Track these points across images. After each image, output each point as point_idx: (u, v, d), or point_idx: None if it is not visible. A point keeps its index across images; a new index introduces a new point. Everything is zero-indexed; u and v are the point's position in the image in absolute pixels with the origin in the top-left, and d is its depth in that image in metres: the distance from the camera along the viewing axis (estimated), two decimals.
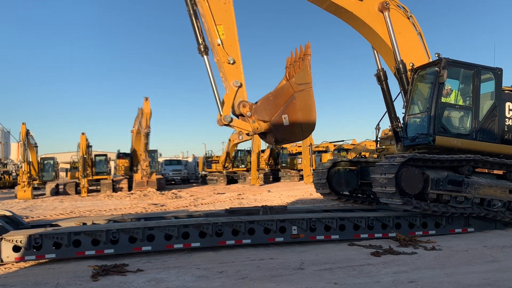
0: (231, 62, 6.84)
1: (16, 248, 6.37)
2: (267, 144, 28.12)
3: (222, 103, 6.93)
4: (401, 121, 9.35)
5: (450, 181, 7.83)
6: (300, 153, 29.79)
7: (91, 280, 5.37)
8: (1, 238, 6.32)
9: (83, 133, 23.46)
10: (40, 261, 6.54)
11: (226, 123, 6.83)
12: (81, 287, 5.11)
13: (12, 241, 6.32)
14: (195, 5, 6.97)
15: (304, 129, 7.11)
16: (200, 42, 7.00)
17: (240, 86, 6.88)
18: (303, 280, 5.15)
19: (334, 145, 32.54)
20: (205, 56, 7.01)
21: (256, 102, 7.08)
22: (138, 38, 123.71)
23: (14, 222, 7.53)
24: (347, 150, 30.80)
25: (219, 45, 6.80)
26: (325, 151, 31.28)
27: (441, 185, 7.75)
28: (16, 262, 6.45)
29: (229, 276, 5.44)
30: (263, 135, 7.25)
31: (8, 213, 7.58)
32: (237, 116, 7.04)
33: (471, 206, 7.98)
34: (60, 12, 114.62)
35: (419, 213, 7.82)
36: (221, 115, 6.84)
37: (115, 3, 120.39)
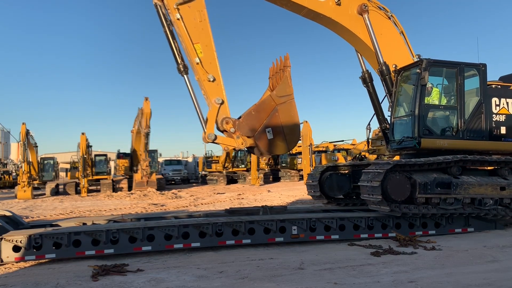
0: (211, 79, 6.86)
1: (16, 248, 6.37)
2: None
3: (206, 121, 6.95)
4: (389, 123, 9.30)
5: (438, 184, 7.64)
6: (300, 153, 29.77)
7: (91, 280, 5.37)
8: (1, 238, 6.32)
9: (83, 133, 23.50)
10: (40, 261, 6.54)
11: (211, 141, 6.90)
12: (81, 287, 5.11)
13: (12, 241, 6.33)
14: (171, 25, 6.98)
15: (289, 140, 7.17)
16: (179, 62, 7.02)
17: (222, 103, 6.92)
18: (303, 280, 5.15)
19: (334, 145, 32.51)
20: (185, 76, 7.04)
21: (240, 117, 7.10)
22: (138, 38, 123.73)
23: (14, 222, 7.53)
24: (347, 150, 30.77)
25: (198, 63, 6.83)
26: (325, 151, 31.24)
27: (429, 189, 7.57)
28: (16, 262, 6.46)
29: (229, 276, 5.44)
30: (250, 149, 7.28)
31: (8, 213, 7.58)
32: (222, 132, 7.07)
33: (462, 207, 7.83)
34: (60, 12, 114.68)
35: (417, 214, 7.77)
36: (205, 133, 6.89)
37: (114, 2, 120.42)
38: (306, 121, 25.72)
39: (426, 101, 8.31)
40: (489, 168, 8.70)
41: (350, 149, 30.03)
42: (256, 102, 7.56)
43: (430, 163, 7.75)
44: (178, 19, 6.76)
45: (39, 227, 7.38)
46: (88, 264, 6.21)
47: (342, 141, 31.71)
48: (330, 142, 32.48)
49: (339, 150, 31.30)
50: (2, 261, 6.31)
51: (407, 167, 7.71)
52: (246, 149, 7.30)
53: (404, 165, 7.66)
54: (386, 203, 7.41)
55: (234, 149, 7.19)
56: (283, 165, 33.16)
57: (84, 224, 7.88)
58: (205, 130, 6.91)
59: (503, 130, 8.69)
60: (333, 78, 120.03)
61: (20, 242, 6.33)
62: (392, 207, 7.46)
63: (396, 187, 7.47)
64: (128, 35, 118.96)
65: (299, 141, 26.27)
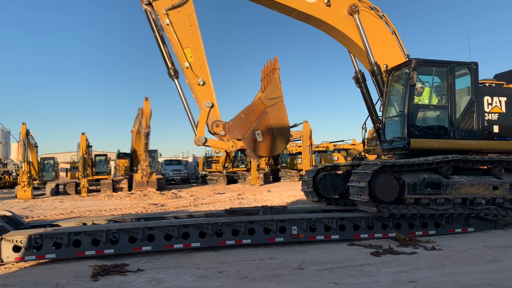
0: (201, 83, 6.98)
1: (16, 248, 6.37)
2: None
3: (197, 124, 7.06)
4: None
5: (427, 184, 7.55)
6: (300, 153, 29.80)
7: (91, 280, 5.37)
8: (1, 238, 6.32)
9: (83, 133, 23.49)
10: (40, 261, 6.55)
11: (201, 144, 7.02)
12: (81, 287, 5.12)
13: (12, 241, 6.33)
14: (161, 30, 7.10)
15: (279, 142, 7.27)
16: (170, 66, 7.14)
17: (212, 106, 7.02)
18: (303, 280, 5.15)
19: (334, 145, 32.55)
20: (175, 80, 7.17)
21: (230, 120, 7.16)
22: (137, 37, 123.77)
23: (14, 222, 7.53)
24: (347, 150, 30.80)
25: (188, 67, 6.94)
26: (325, 151, 31.28)
27: (418, 189, 7.48)
28: (16, 262, 6.46)
29: (229, 276, 5.44)
30: (242, 151, 7.38)
31: (8, 213, 7.57)
32: (213, 135, 7.16)
33: (453, 207, 7.75)
34: (60, 12, 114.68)
35: (416, 213, 7.74)
36: (196, 136, 7.01)
37: (114, 3, 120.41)
38: (306, 121, 25.79)
39: (416, 101, 8.24)
40: (483, 167, 8.63)
41: (350, 149, 30.07)
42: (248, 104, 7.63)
43: (419, 163, 7.71)
44: (167, 24, 6.91)
45: (39, 227, 7.38)
46: (88, 264, 6.22)
47: (342, 141, 31.86)
48: (330, 142, 32.55)
49: (339, 150, 31.34)
50: (2, 261, 6.31)
51: (395, 167, 7.65)
52: (238, 151, 7.38)
53: (392, 166, 7.60)
54: (373, 203, 7.35)
55: (225, 151, 7.28)
56: (283, 165, 33.18)
57: (84, 224, 7.88)
58: (196, 133, 7.02)
59: (495, 129, 8.59)
60: (333, 77, 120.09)
61: (20, 242, 6.33)
62: (391, 209, 7.43)
63: (384, 189, 7.39)
64: (129, 36, 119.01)
65: (299, 141, 26.35)
